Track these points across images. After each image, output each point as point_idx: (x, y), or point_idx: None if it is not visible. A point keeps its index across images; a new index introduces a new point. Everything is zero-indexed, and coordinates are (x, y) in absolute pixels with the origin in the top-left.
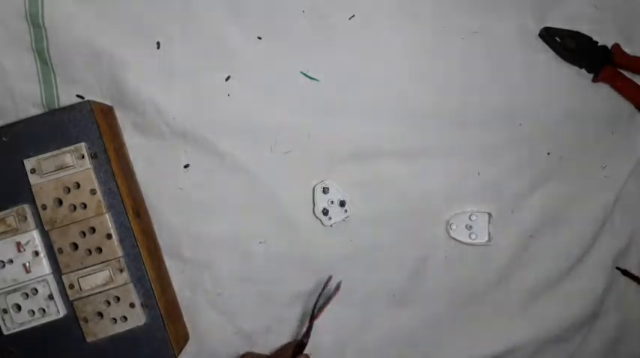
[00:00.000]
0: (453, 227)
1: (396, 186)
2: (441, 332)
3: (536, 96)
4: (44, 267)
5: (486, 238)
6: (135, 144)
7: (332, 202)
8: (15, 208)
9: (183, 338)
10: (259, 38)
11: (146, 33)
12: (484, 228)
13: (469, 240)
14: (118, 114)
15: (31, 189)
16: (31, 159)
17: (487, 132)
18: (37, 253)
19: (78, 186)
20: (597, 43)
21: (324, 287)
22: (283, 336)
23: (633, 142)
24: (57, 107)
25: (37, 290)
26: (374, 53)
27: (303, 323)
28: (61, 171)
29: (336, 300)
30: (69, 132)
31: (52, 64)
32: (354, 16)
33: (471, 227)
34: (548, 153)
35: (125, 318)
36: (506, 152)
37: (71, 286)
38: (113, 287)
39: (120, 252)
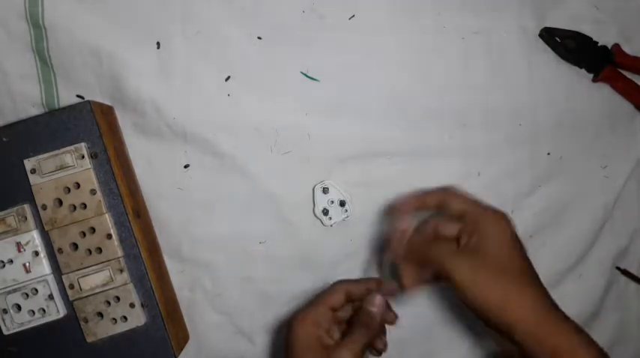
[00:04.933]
0: None
1: (396, 186)
2: (441, 332)
3: (536, 96)
4: (44, 267)
5: None
6: (135, 144)
7: (332, 202)
8: (15, 208)
9: (183, 338)
10: (259, 38)
11: (146, 33)
12: None
13: None
14: (118, 114)
15: (31, 189)
16: (31, 159)
17: (487, 132)
18: (37, 253)
19: (78, 186)
20: (597, 43)
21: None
22: (283, 336)
23: (633, 142)
24: (57, 107)
25: (37, 290)
26: (374, 53)
27: None
28: (61, 171)
29: None
30: (69, 132)
31: (52, 64)
32: (354, 16)
33: None
34: (548, 153)
35: (125, 318)
36: (506, 152)
37: (71, 286)
38: (113, 288)
39: (120, 252)
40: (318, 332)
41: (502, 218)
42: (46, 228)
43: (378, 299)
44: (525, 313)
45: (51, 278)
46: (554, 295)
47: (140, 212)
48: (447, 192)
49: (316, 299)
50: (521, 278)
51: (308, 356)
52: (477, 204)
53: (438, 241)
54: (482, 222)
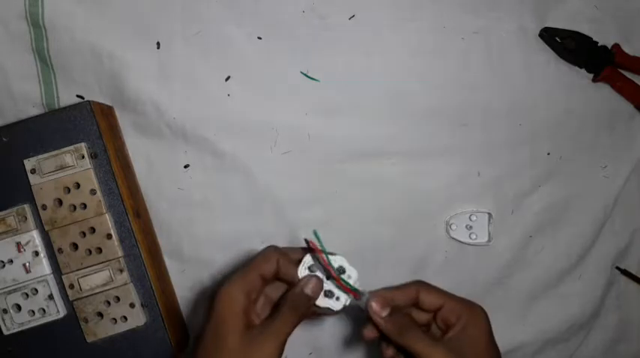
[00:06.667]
0: (453, 227)
1: (396, 186)
2: None
3: (536, 96)
4: (44, 266)
5: (486, 238)
6: (135, 144)
7: None
8: (15, 208)
9: (183, 338)
10: (259, 38)
11: (146, 33)
12: (484, 228)
13: (469, 240)
14: (118, 114)
15: (31, 189)
16: (31, 159)
17: (487, 132)
18: (37, 253)
19: (78, 186)
20: (597, 43)
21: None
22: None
23: (633, 142)
24: (57, 107)
25: (37, 290)
26: (374, 53)
27: None
28: (61, 171)
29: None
30: (69, 132)
31: (52, 64)
32: (354, 16)
33: (471, 227)
34: (548, 153)
35: (125, 318)
36: (506, 152)
37: (71, 286)
38: (113, 288)
39: (120, 252)
40: (246, 303)
41: (481, 311)
42: (46, 228)
43: (314, 282)
44: None
45: (51, 278)
46: (554, 295)
47: (140, 212)
48: (419, 286)
49: (246, 265)
50: None
51: (230, 328)
52: (452, 297)
53: (412, 326)
54: (462, 316)
